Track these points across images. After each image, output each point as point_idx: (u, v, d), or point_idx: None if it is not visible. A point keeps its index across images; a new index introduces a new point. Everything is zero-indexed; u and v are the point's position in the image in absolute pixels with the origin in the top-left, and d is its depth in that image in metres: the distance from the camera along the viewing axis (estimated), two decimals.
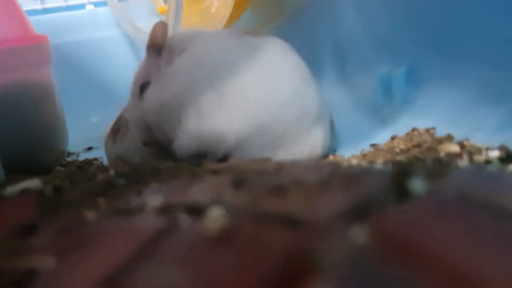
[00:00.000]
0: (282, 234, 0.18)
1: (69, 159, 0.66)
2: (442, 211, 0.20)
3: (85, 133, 0.74)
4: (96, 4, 0.79)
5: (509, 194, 0.23)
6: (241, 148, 0.40)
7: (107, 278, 0.19)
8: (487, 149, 0.40)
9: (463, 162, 0.35)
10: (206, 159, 0.40)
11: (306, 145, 0.42)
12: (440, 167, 0.29)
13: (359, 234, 0.17)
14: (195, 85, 0.40)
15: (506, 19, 0.41)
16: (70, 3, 0.77)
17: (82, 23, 0.78)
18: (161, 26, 0.42)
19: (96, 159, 0.62)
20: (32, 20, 0.48)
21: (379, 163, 0.38)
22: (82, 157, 0.67)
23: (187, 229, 0.20)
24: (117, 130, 0.50)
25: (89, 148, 0.72)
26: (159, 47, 0.43)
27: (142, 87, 0.44)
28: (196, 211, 0.23)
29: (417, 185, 0.22)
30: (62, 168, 0.51)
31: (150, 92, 0.43)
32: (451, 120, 0.47)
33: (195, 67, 0.41)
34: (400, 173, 0.23)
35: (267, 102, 0.40)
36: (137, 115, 0.44)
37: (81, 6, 0.78)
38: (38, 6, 0.73)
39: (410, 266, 0.15)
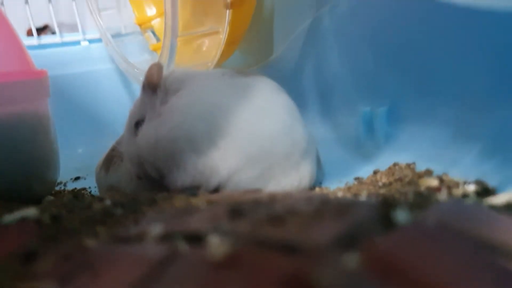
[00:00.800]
0: (282, 260, 0.19)
1: (56, 188, 0.66)
2: (424, 239, 0.22)
3: (72, 163, 0.75)
4: (90, 41, 0.82)
5: (484, 225, 0.25)
6: (233, 181, 0.42)
7: None
8: (464, 183, 0.43)
9: (442, 195, 0.37)
10: (199, 190, 0.41)
11: (295, 177, 0.44)
12: (421, 200, 0.31)
13: (352, 259, 0.19)
14: (189, 122, 0.42)
15: (479, 62, 0.44)
16: (65, 39, 0.80)
17: (76, 58, 0.80)
18: (157, 67, 0.45)
19: (84, 189, 0.63)
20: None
21: (363, 195, 0.40)
22: (70, 186, 0.67)
23: (190, 255, 0.22)
24: (110, 161, 0.51)
25: (76, 178, 0.72)
26: (154, 86, 0.45)
27: (137, 124, 0.45)
28: (196, 239, 0.24)
29: (401, 215, 0.24)
30: (52, 197, 0.52)
31: (144, 129, 0.44)
32: (430, 155, 0.50)
33: (190, 105, 0.43)
34: (385, 204, 0.25)
35: (258, 137, 0.42)
36: (131, 150, 0.45)
37: (76, 43, 0.81)
38: (34, 41, 0.76)
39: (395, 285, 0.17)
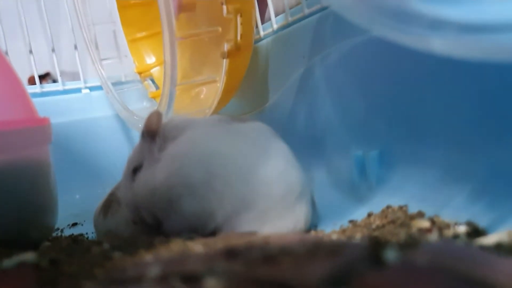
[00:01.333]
0: None
1: (53, 234, 0.66)
2: (413, 277, 0.23)
3: (69, 209, 0.75)
4: (91, 88, 0.84)
5: (475, 264, 0.26)
6: (229, 224, 0.42)
7: None
8: (455, 224, 0.44)
9: (433, 236, 0.38)
10: (195, 234, 0.42)
11: (290, 220, 0.45)
12: (411, 240, 0.32)
13: None
14: (187, 169, 0.43)
15: (466, 105, 0.46)
16: (67, 87, 0.83)
17: (76, 105, 0.82)
18: (156, 116, 0.46)
19: (81, 234, 0.63)
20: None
21: (357, 237, 0.41)
22: (67, 232, 0.67)
23: None
24: (108, 206, 0.52)
25: (74, 224, 0.72)
26: (153, 134, 0.46)
27: (134, 170, 0.46)
28: (193, 280, 0.25)
29: (392, 255, 0.25)
30: (49, 243, 0.52)
31: (142, 176, 0.45)
32: (421, 197, 0.51)
33: (187, 152, 0.44)
34: (376, 244, 0.26)
35: (253, 182, 0.43)
36: (128, 196, 0.46)
37: (77, 90, 0.84)
38: (37, 89, 0.79)
39: None
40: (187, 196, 0.43)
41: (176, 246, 0.35)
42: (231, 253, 0.27)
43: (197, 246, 0.33)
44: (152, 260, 0.30)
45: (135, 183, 0.46)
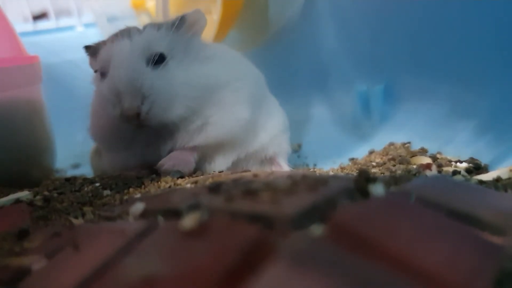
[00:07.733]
0: (248, 229, 0.20)
1: (56, 175, 0.67)
2: (395, 210, 0.22)
3: (72, 151, 0.75)
4: (86, 26, 0.81)
5: (462, 198, 0.25)
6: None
7: (94, 272, 0.20)
8: (457, 161, 0.43)
9: (432, 172, 0.37)
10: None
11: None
12: (404, 175, 0.31)
13: (317, 228, 0.19)
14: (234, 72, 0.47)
15: (473, 40, 0.44)
16: (61, 25, 0.80)
17: (71, 44, 0.80)
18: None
19: (83, 175, 0.63)
20: (25, 41, 0.50)
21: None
22: (70, 173, 0.68)
23: (165, 228, 0.22)
24: None
25: (76, 165, 0.72)
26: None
27: (155, 58, 0.43)
28: (175, 214, 0.25)
29: (378, 189, 0.24)
30: (45, 182, 0.52)
31: (183, 68, 0.45)
32: (425, 134, 0.49)
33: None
34: (362, 178, 0.25)
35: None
36: (148, 82, 0.42)
37: (71, 28, 0.81)
38: (30, 27, 0.76)
39: (354, 251, 0.17)
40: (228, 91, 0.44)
41: (164, 184, 0.35)
42: (215, 189, 0.26)
43: (185, 183, 0.33)
44: (137, 199, 0.30)
45: (170, 72, 0.43)
